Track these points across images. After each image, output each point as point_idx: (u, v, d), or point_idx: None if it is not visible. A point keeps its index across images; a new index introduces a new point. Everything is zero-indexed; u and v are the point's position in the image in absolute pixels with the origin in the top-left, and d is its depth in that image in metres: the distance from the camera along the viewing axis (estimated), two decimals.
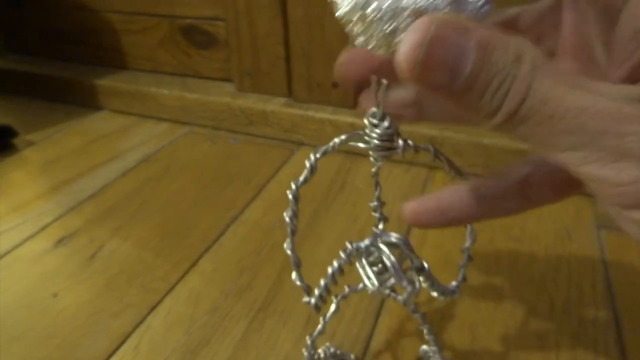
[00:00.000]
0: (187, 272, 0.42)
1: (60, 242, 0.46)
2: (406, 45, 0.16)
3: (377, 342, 0.35)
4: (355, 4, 0.18)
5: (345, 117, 0.58)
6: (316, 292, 0.25)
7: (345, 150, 0.60)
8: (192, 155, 0.62)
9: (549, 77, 0.15)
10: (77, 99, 0.77)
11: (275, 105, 0.63)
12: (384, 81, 0.22)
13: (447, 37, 0.16)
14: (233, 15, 0.62)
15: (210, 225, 0.48)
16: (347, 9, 0.18)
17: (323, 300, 0.25)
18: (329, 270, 0.24)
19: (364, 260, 0.23)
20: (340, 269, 0.24)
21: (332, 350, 0.31)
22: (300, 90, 0.62)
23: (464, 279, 0.27)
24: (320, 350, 0.31)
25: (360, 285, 0.29)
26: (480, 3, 0.18)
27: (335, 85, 0.59)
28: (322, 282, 0.24)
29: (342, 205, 0.50)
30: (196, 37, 0.69)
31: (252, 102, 0.64)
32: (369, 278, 0.22)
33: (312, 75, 0.60)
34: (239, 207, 0.50)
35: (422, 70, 0.16)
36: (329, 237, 0.46)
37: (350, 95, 0.59)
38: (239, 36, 0.63)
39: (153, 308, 0.38)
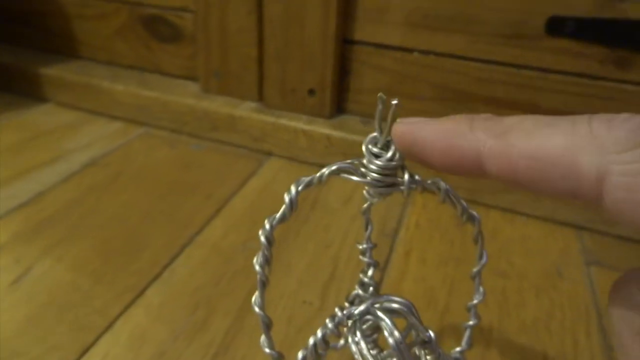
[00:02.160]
0: (130, 304, 0.35)
1: None
2: None
3: None
4: None
5: (321, 128, 0.53)
6: None
7: (319, 164, 0.55)
8: (147, 160, 0.55)
9: None
10: (19, 88, 0.68)
11: (244, 110, 0.57)
12: (395, 101, 0.17)
13: None
14: (203, 7, 0.55)
15: (163, 246, 0.41)
16: None
17: None
18: (310, 341, 0.19)
19: (358, 335, 0.18)
20: (325, 341, 0.18)
21: None
22: (273, 95, 0.56)
23: (470, 344, 0.22)
24: None
25: (342, 341, 0.24)
26: None
27: (311, 91, 0.54)
28: (299, 355, 0.19)
29: (313, 228, 0.45)
30: (160, 28, 0.62)
31: (218, 105, 0.58)
32: None
33: (287, 80, 0.55)
34: (197, 225, 0.44)
35: None
36: (299, 265, 0.40)
37: (327, 104, 0.54)
38: (207, 31, 0.56)
39: (85, 351, 0.32)
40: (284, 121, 0.55)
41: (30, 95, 0.68)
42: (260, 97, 0.58)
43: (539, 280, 0.41)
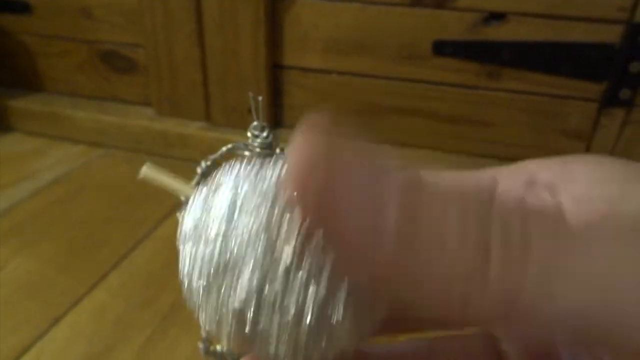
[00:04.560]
0: (93, 287, 0.43)
1: None
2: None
3: None
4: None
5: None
6: None
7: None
8: (108, 176, 0.62)
9: None
10: None
11: (194, 129, 0.65)
12: (260, 98, 0.26)
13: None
14: (152, 43, 0.64)
15: (121, 242, 0.49)
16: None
17: None
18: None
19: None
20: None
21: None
22: (217, 114, 0.65)
23: None
24: (218, 346, 0.33)
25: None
26: None
27: (249, 110, 0.63)
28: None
29: None
30: (116, 62, 0.70)
31: (170, 125, 0.66)
32: None
33: (228, 101, 0.64)
34: (151, 224, 0.52)
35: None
36: None
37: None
38: (158, 62, 0.65)
39: (55, 322, 0.39)
40: (228, 136, 0.63)
41: None
42: (208, 117, 0.66)
43: None
